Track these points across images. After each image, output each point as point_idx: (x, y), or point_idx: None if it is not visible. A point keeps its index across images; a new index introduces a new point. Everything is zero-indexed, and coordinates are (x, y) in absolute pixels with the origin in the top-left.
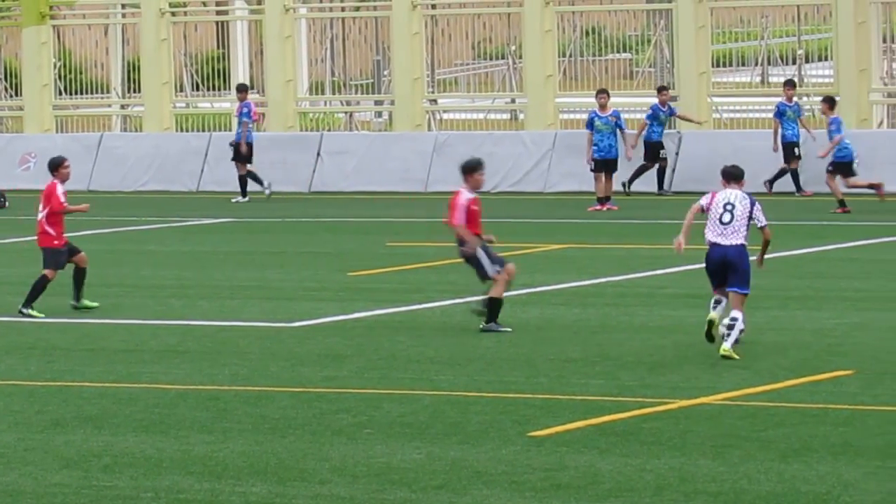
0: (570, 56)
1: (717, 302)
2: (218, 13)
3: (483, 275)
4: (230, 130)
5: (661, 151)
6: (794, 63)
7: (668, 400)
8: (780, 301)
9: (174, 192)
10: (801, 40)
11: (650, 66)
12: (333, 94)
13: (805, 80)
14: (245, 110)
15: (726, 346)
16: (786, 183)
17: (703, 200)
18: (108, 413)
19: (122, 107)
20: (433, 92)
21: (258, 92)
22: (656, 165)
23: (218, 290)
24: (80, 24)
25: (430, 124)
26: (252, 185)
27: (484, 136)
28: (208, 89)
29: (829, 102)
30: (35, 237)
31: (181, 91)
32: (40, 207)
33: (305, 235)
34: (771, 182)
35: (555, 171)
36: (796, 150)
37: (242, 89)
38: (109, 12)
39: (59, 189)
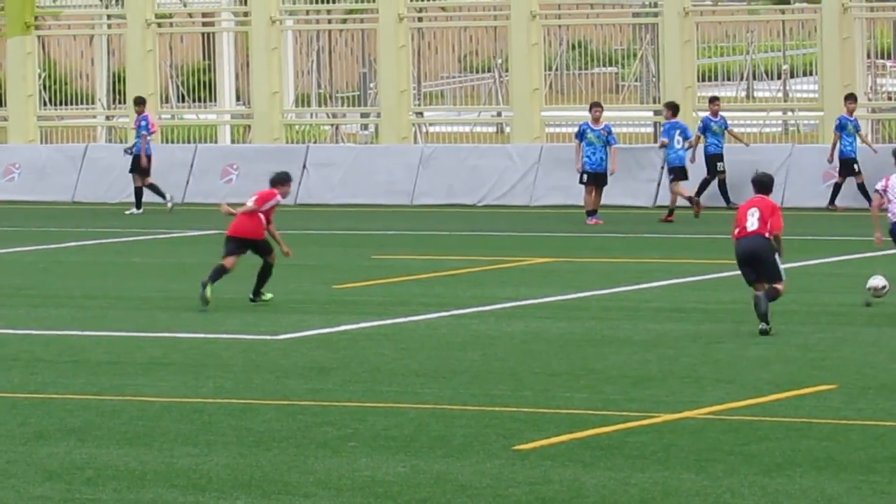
0: (557, 69)
1: None
2: (204, 24)
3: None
4: (216, 142)
5: (719, 164)
6: (779, 78)
7: (653, 414)
8: None
9: (160, 203)
10: (787, 55)
11: (636, 80)
12: (319, 106)
13: (790, 95)
14: (143, 123)
15: None
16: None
17: (878, 185)
18: (91, 425)
19: (108, 118)
20: (419, 105)
21: (244, 103)
22: (716, 179)
23: None
24: (65, 34)
25: (416, 137)
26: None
27: (470, 149)
28: (194, 101)
29: (672, 108)
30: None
31: (167, 102)
32: (254, 203)
33: (291, 247)
34: (725, 197)
35: (540, 184)
36: (719, 164)
37: (140, 102)
38: (95, 23)
39: (275, 200)
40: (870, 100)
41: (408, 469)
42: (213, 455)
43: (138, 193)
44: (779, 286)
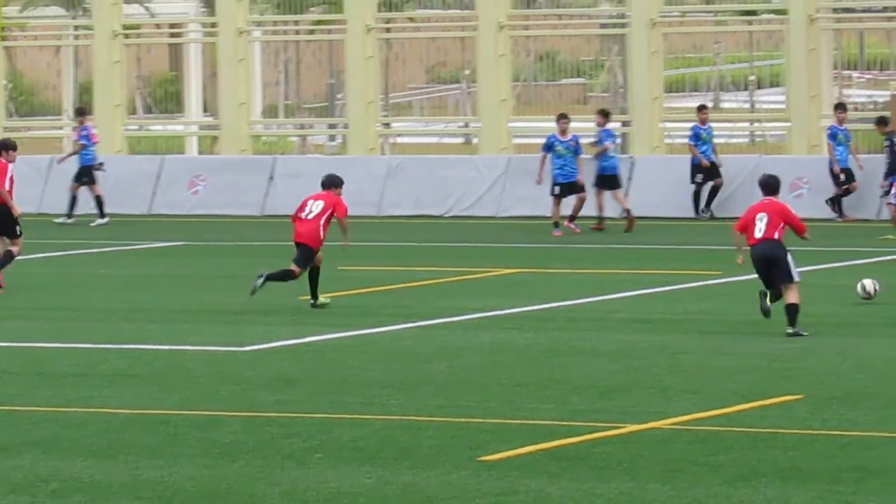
0: (524, 80)
1: None
2: (172, 35)
3: None
4: (183, 153)
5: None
6: (746, 89)
7: (619, 424)
8: (730, 326)
9: (126, 214)
10: (754, 66)
11: (604, 91)
12: (287, 117)
13: (757, 106)
14: (84, 133)
15: None
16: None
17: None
18: (56, 438)
19: (74, 129)
20: (387, 116)
21: (211, 115)
22: (710, 183)
23: (169, 314)
24: (31, 45)
25: (384, 148)
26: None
27: (437, 160)
28: (161, 112)
29: (605, 115)
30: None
31: (133, 114)
32: (321, 210)
33: (257, 259)
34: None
35: (508, 195)
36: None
37: (81, 112)
38: (62, 34)
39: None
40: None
41: (374, 480)
42: (178, 467)
43: (98, 202)
44: (793, 292)
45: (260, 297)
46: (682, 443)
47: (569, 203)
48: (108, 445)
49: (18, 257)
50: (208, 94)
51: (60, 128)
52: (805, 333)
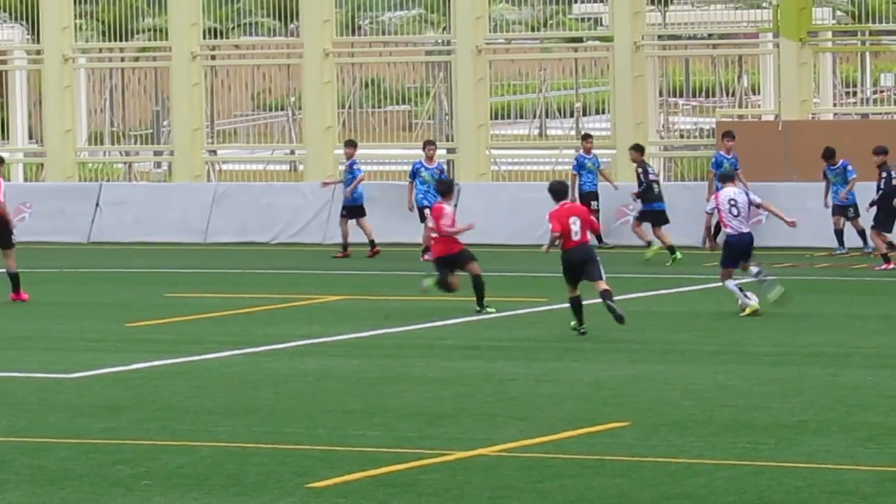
0: (350, 107)
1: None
2: None
3: None
4: (9, 180)
5: (593, 203)
6: (572, 116)
7: (447, 451)
8: (557, 353)
9: None
10: (579, 93)
11: (429, 118)
12: (113, 144)
13: (583, 132)
14: None
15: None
16: None
17: None
18: None
19: None
20: (213, 142)
21: (37, 142)
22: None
23: None
24: None
25: (210, 175)
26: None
27: (263, 188)
28: None
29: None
30: None
31: None
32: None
33: (84, 286)
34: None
35: (334, 221)
36: (594, 202)
37: None
38: None
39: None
40: (662, 137)
41: None
42: (5, 493)
43: None
44: (605, 284)
45: (86, 324)
46: (509, 469)
47: None
48: None
49: None
50: (34, 121)
51: None
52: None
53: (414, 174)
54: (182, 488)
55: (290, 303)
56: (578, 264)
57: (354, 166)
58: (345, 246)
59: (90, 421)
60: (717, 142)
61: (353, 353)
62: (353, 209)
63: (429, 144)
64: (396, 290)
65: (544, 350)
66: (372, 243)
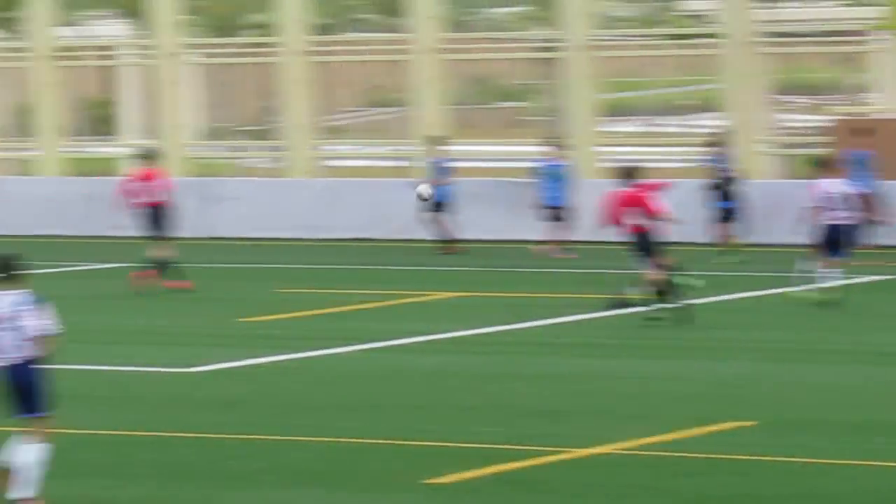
0: (459, 104)
1: None
2: (102, 58)
3: None
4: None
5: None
6: (681, 113)
7: (566, 449)
8: (671, 351)
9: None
10: (689, 91)
11: (541, 115)
12: (221, 140)
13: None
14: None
15: None
16: None
17: None
18: None
19: None
20: (324, 139)
21: (145, 138)
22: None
23: None
24: None
25: (319, 171)
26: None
27: (374, 184)
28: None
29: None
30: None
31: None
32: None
33: (195, 280)
34: None
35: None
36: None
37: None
38: None
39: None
40: (774, 135)
41: None
42: (129, 489)
43: None
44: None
45: (199, 319)
46: (631, 467)
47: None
48: (61, 465)
49: None
50: (143, 117)
51: None
52: None
53: (544, 173)
54: (300, 484)
55: (401, 299)
56: None
57: (445, 163)
58: (450, 241)
59: (209, 416)
60: (837, 139)
61: (468, 350)
62: (438, 204)
63: (551, 141)
64: (507, 287)
65: (658, 348)
66: (449, 241)
